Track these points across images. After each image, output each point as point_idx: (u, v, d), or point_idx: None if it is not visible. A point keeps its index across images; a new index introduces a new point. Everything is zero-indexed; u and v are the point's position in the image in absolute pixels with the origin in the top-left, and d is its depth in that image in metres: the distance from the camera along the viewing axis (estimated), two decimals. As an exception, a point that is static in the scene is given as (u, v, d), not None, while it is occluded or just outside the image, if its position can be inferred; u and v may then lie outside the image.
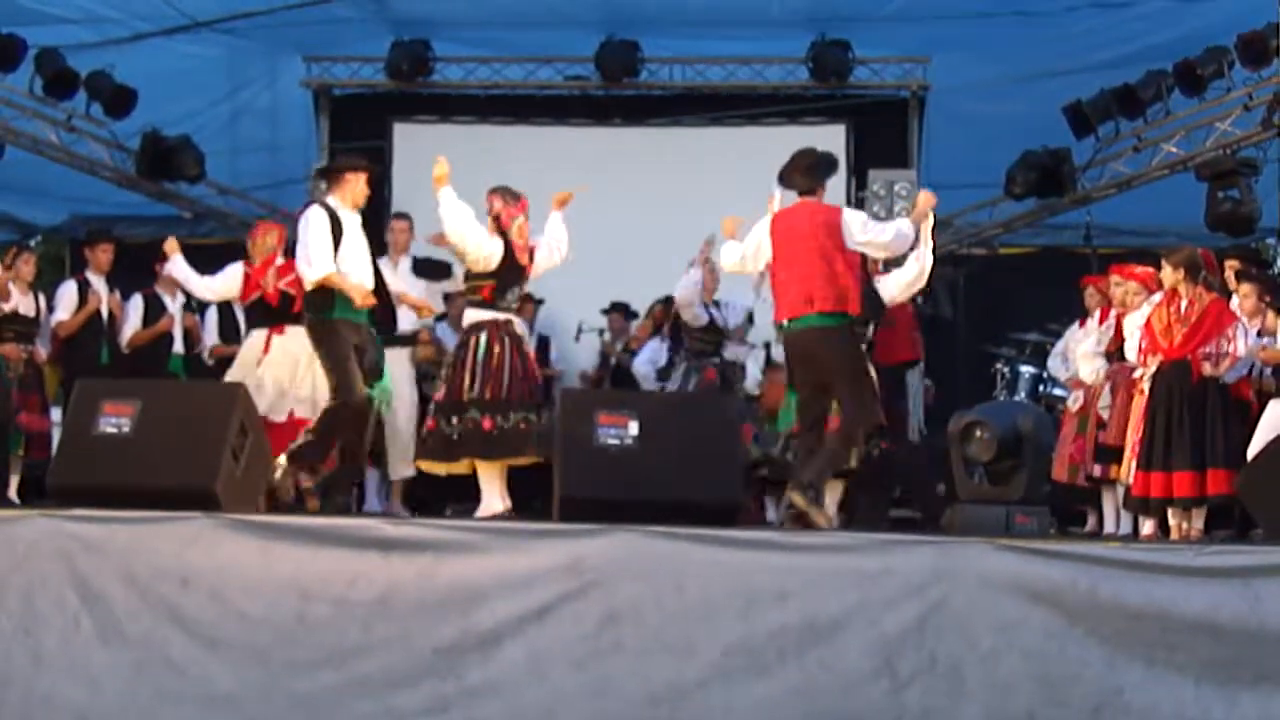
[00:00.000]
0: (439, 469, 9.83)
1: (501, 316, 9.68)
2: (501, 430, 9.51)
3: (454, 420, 9.52)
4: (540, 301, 13.88)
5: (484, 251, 9.61)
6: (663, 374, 12.78)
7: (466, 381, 9.53)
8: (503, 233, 9.67)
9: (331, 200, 9.51)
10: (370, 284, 9.51)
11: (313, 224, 9.35)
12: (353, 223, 9.52)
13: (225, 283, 11.17)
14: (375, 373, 9.55)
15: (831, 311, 9.15)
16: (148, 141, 14.91)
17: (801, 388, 9.39)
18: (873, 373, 9.60)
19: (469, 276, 9.76)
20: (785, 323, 9.29)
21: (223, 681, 7.38)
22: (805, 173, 9.47)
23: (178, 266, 11.08)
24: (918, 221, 9.57)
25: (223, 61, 15.54)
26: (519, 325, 9.83)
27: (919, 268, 9.85)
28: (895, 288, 10.12)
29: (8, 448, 10.95)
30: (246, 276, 11.08)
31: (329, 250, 9.30)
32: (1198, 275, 9.60)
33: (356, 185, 9.55)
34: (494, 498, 9.64)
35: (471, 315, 9.71)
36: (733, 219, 9.86)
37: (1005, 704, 7.11)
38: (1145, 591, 7.13)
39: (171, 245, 11.07)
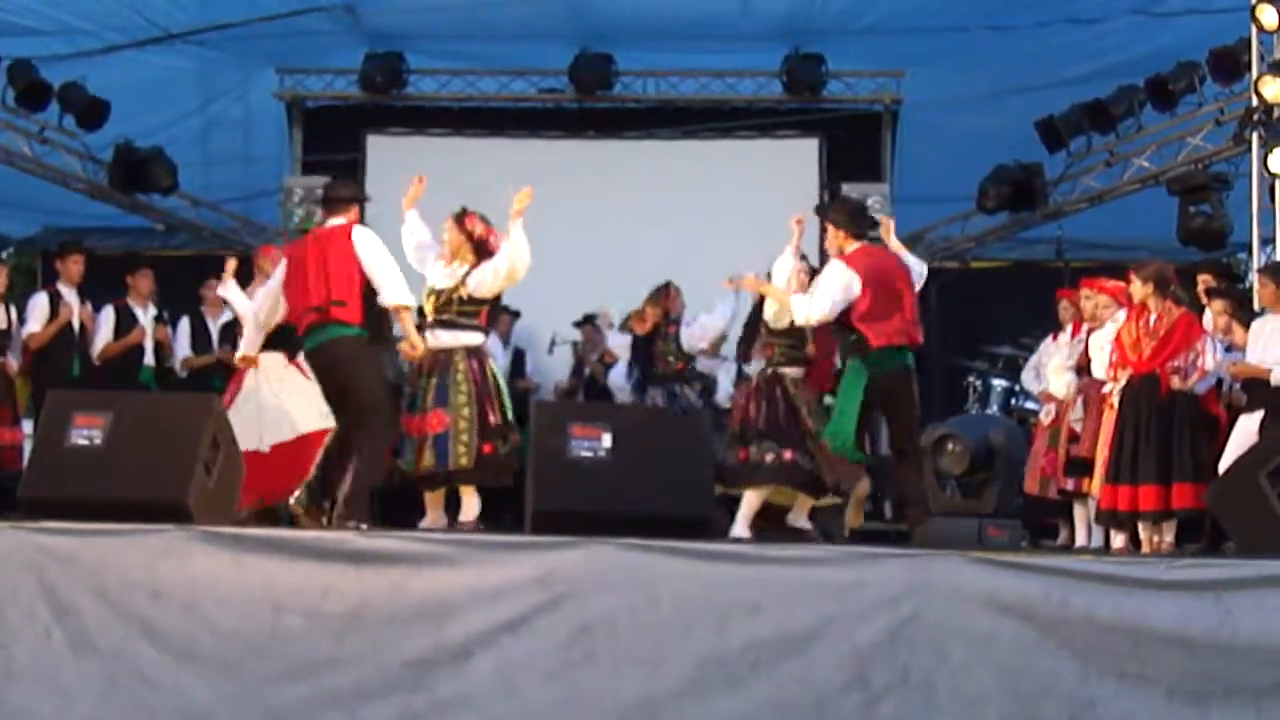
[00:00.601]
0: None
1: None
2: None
3: (507, 441, 9.53)
4: (517, 315, 13.88)
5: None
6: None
7: (501, 404, 9.56)
8: (490, 255, 9.63)
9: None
10: None
11: (382, 248, 9.29)
12: None
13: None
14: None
15: (914, 344, 9.57)
16: (120, 153, 14.86)
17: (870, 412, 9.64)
18: None
19: (469, 301, 9.62)
20: (879, 353, 9.49)
21: (195, 694, 7.35)
22: (853, 217, 9.78)
23: (231, 291, 10.66)
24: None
25: (195, 73, 15.50)
26: None
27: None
28: None
29: (-21, 461, 10.90)
30: None
31: None
32: (1166, 289, 9.64)
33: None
34: (475, 504, 9.64)
35: (467, 338, 9.59)
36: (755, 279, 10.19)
37: (977, 717, 7.11)
38: (1117, 605, 7.14)
39: (230, 265, 10.72)
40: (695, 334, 11.80)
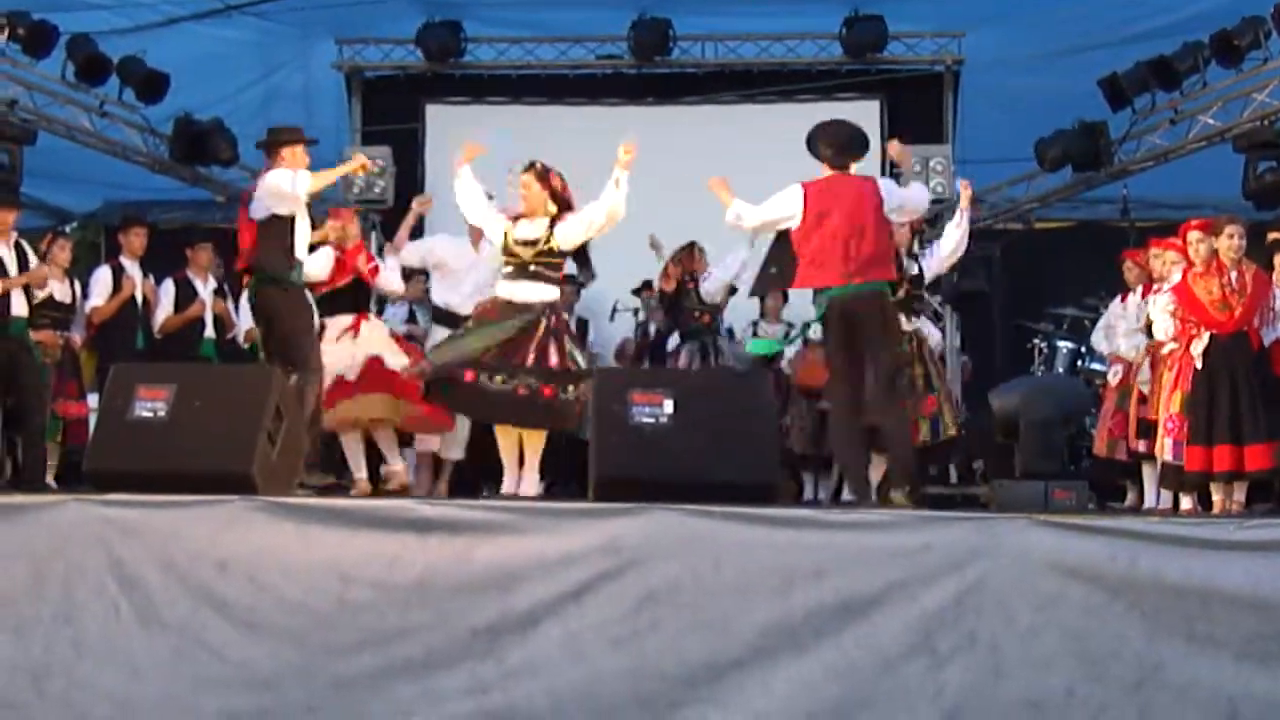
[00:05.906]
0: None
1: None
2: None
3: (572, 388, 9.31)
4: (583, 285, 13.82)
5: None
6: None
7: (567, 350, 9.45)
8: (569, 208, 9.61)
9: None
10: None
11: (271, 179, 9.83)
12: None
13: (316, 267, 10.61)
14: None
15: (880, 279, 9.19)
16: (180, 126, 14.91)
17: (837, 355, 9.29)
18: None
19: (555, 254, 9.55)
20: (828, 289, 9.20)
21: (262, 665, 7.40)
22: (839, 150, 9.53)
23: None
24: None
25: (254, 45, 15.50)
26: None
27: (959, 235, 10.21)
28: (938, 261, 10.48)
29: (45, 434, 10.94)
30: (339, 262, 10.80)
31: None
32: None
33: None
34: (535, 480, 9.52)
35: (547, 292, 9.53)
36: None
37: (1045, 681, 7.07)
38: (1185, 566, 7.08)
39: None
40: (711, 287, 12.28)
